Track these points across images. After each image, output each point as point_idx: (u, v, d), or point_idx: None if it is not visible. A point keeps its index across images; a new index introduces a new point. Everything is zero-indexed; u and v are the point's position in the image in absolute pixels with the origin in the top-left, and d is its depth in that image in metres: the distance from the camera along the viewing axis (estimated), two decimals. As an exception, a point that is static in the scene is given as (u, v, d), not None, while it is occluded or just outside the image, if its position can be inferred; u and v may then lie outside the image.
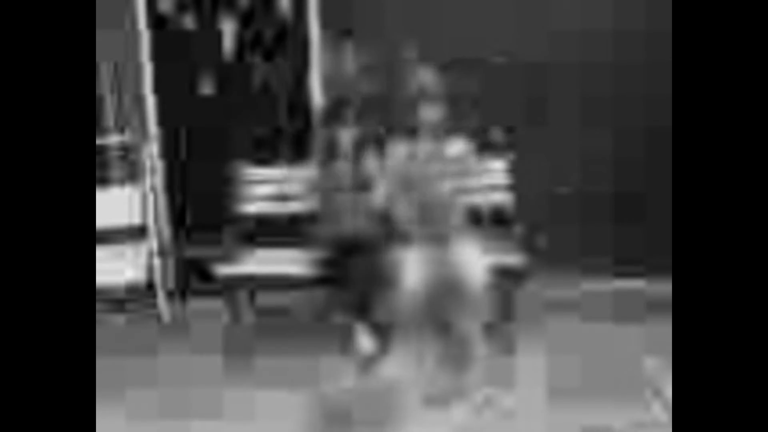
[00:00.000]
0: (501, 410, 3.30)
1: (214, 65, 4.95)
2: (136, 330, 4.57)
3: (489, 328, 3.51)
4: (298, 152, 4.73)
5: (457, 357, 3.46)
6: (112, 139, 4.90)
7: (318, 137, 4.01)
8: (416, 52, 3.87)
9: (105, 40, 4.63)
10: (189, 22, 4.93)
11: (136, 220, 4.65)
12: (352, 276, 3.63)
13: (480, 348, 3.45)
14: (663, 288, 3.83)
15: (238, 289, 4.23)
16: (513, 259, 3.81)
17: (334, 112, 3.91)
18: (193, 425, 3.32)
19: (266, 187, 4.45)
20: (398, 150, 3.52)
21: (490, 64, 4.49)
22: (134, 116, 4.93)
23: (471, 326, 3.43)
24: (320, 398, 3.49)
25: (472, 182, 3.90)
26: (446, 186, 3.51)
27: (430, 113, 3.45)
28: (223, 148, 4.91)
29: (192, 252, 4.92)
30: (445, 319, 3.47)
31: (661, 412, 3.22)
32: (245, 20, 4.91)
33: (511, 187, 4.23)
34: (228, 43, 4.93)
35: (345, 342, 3.68)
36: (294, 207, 4.36)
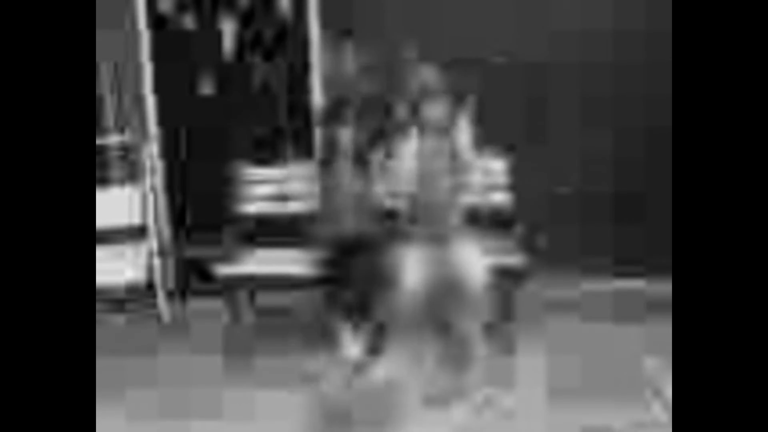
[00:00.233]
0: (501, 410, 3.30)
1: (214, 65, 4.95)
2: (136, 330, 4.57)
3: (489, 328, 3.51)
4: (299, 152, 4.74)
5: (457, 357, 3.46)
6: (112, 139, 4.90)
7: (318, 136, 4.02)
8: (416, 52, 3.87)
9: (105, 40, 4.63)
10: (189, 22, 4.93)
11: (136, 220, 4.65)
12: (352, 276, 3.64)
13: (480, 348, 3.45)
14: (663, 288, 3.83)
15: (238, 289, 4.23)
16: (513, 259, 3.81)
17: (334, 112, 3.91)
18: (193, 425, 3.32)
19: (266, 187, 4.45)
20: (406, 147, 3.51)
21: (490, 64, 4.49)
22: (134, 116, 4.93)
23: (471, 326, 3.43)
24: (320, 398, 3.49)
25: (473, 180, 3.91)
26: (449, 183, 3.51)
27: (433, 111, 3.45)
28: (223, 148, 4.91)
29: (192, 252, 4.92)
30: (445, 319, 3.47)
31: (661, 412, 3.22)
32: (245, 20, 4.91)
33: (511, 187, 4.23)
34: (228, 43, 4.93)
35: (330, 344, 3.69)
36: (294, 207, 4.36)
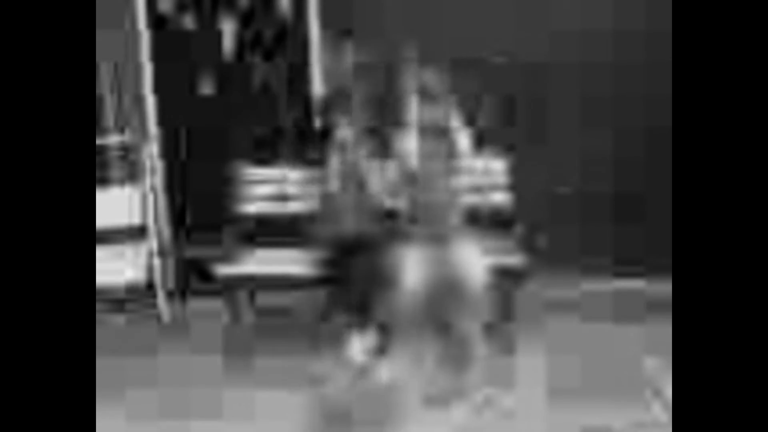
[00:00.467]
0: (501, 410, 3.30)
1: (214, 65, 4.95)
2: (136, 330, 4.57)
3: (489, 328, 3.51)
4: (298, 152, 4.74)
5: (457, 357, 3.46)
6: (112, 139, 4.90)
7: (318, 133, 4.02)
8: (416, 52, 3.87)
9: (105, 40, 4.63)
10: (189, 22, 4.93)
11: (136, 220, 4.65)
12: (352, 276, 3.64)
13: (480, 348, 3.45)
14: (663, 288, 3.83)
15: (238, 289, 4.23)
16: (513, 259, 3.81)
17: (333, 102, 3.90)
18: (193, 425, 3.32)
19: (266, 187, 4.45)
20: (404, 146, 3.51)
21: (490, 64, 4.49)
22: (134, 116, 4.93)
23: (471, 326, 3.43)
24: (320, 398, 3.49)
25: (473, 180, 3.91)
26: (448, 183, 3.51)
27: (433, 112, 3.45)
28: (223, 148, 4.91)
29: (192, 252, 4.92)
30: (445, 319, 3.47)
31: (661, 412, 3.22)
32: (245, 20, 4.91)
33: (511, 187, 4.23)
34: (228, 43, 4.93)
35: (335, 346, 3.69)
36: (294, 207, 4.36)
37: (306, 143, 4.67)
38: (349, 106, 3.82)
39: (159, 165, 5.00)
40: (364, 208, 3.76)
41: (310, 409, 3.38)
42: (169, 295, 4.78)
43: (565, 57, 4.59)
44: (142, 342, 4.34)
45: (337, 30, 4.71)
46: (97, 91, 4.85)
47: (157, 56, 4.93)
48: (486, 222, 3.96)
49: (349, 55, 4.54)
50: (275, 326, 4.48)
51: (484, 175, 4.22)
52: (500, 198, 4.22)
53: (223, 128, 4.97)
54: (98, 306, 4.02)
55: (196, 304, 4.81)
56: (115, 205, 4.60)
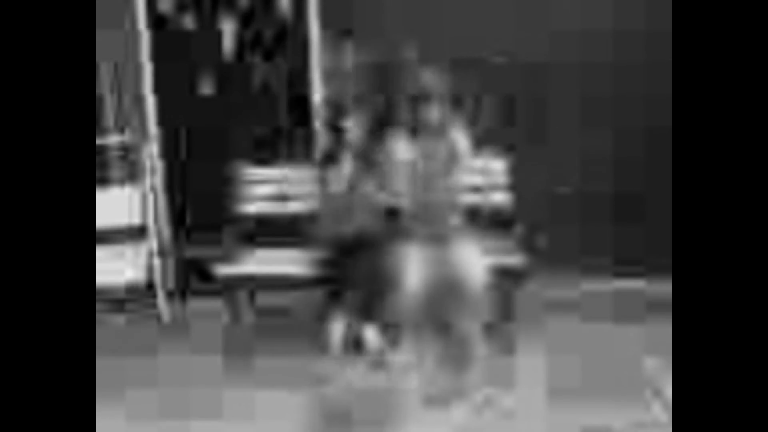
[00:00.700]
0: (501, 410, 3.30)
1: (214, 65, 4.95)
2: (136, 330, 4.57)
3: (489, 328, 3.51)
4: (299, 152, 4.74)
5: (457, 357, 3.46)
6: (112, 139, 4.90)
7: (320, 134, 4.02)
8: (416, 52, 3.87)
9: (105, 40, 4.62)
10: (189, 22, 4.93)
11: (136, 220, 4.65)
12: (353, 275, 3.64)
13: (480, 348, 3.45)
14: (663, 288, 3.82)
15: (238, 289, 4.23)
16: (513, 259, 3.81)
17: (335, 116, 3.90)
18: (193, 425, 3.32)
19: (266, 187, 4.45)
20: (400, 146, 3.51)
21: (490, 64, 4.49)
22: (134, 116, 4.93)
23: (471, 326, 3.43)
24: (320, 398, 3.49)
25: (473, 180, 3.90)
26: (448, 184, 3.51)
27: (432, 113, 3.45)
28: (223, 148, 4.91)
29: (192, 252, 4.92)
30: (445, 319, 3.47)
31: (661, 412, 3.22)
32: (245, 20, 4.91)
33: (511, 187, 4.23)
34: (228, 43, 4.93)
35: (323, 342, 3.70)
36: (294, 207, 4.36)
37: (306, 143, 4.68)
38: (353, 109, 3.82)
39: (159, 165, 4.99)
40: (365, 207, 3.76)
41: (310, 409, 3.38)
42: (169, 295, 4.78)
43: (565, 57, 4.59)
44: (142, 342, 4.34)
45: (337, 30, 4.71)
46: (97, 91, 4.85)
47: (157, 56, 4.93)
48: (486, 222, 3.96)
49: (349, 55, 4.54)
50: (275, 326, 4.47)
51: (484, 175, 4.22)
52: (500, 198, 4.22)
53: (223, 128, 4.96)
54: (98, 306, 4.02)
55: (196, 304, 4.81)
56: (115, 205, 4.60)
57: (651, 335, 3.91)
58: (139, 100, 4.93)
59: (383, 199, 3.59)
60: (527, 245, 3.90)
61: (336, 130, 3.86)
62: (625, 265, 4.61)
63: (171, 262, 4.99)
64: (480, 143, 3.67)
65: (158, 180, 4.98)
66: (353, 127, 3.79)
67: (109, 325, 4.59)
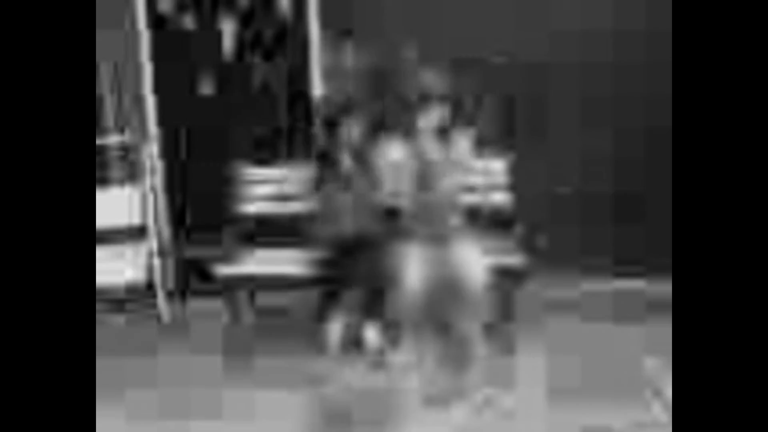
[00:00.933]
0: (501, 410, 3.30)
1: (214, 65, 4.95)
2: (136, 330, 4.57)
3: (489, 328, 3.51)
4: (299, 152, 4.73)
5: (457, 357, 3.46)
6: (112, 139, 4.90)
7: (318, 133, 4.02)
8: (416, 52, 3.87)
9: (105, 40, 4.63)
10: (189, 22, 4.93)
11: (136, 220, 4.65)
12: (353, 275, 3.63)
13: (480, 348, 3.45)
14: (663, 288, 3.83)
15: (238, 289, 4.23)
16: (513, 259, 3.81)
17: (332, 113, 3.90)
18: (193, 425, 3.32)
19: (266, 187, 4.45)
20: (393, 148, 3.51)
21: (490, 64, 4.49)
22: (134, 116, 4.93)
23: (471, 326, 3.43)
24: (320, 398, 3.49)
25: (473, 180, 3.90)
26: (448, 184, 3.51)
27: (432, 113, 3.45)
28: (223, 148, 4.91)
29: (192, 252, 4.92)
30: (445, 319, 3.47)
31: (661, 412, 3.22)
32: (245, 20, 4.91)
33: (511, 187, 4.23)
34: (228, 43, 4.93)
35: (320, 342, 3.70)
36: (294, 207, 4.36)
37: (306, 143, 4.68)
38: (352, 110, 3.82)
39: (159, 165, 5.00)
40: (364, 207, 3.76)
41: (310, 409, 3.38)
42: (169, 295, 4.78)
43: (565, 57, 4.59)
44: (142, 342, 4.34)
45: (337, 30, 4.71)
46: (97, 91, 4.85)
47: (157, 56, 4.93)
48: (486, 222, 3.96)
49: (349, 55, 4.54)
50: (275, 326, 4.47)
51: (484, 175, 4.22)
52: (500, 198, 4.22)
53: (223, 128, 4.97)
54: (98, 306, 4.03)
55: (196, 304, 4.81)
56: (115, 205, 4.60)
57: (651, 335, 3.91)
58: (139, 100, 4.93)
59: (383, 199, 3.59)
60: (527, 245, 3.90)
61: (332, 125, 3.85)
62: (625, 265, 4.61)
63: (171, 262, 5.00)
64: (480, 143, 3.67)
65: (158, 180, 4.98)
66: (350, 125, 3.79)
67: (109, 325, 4.59)
